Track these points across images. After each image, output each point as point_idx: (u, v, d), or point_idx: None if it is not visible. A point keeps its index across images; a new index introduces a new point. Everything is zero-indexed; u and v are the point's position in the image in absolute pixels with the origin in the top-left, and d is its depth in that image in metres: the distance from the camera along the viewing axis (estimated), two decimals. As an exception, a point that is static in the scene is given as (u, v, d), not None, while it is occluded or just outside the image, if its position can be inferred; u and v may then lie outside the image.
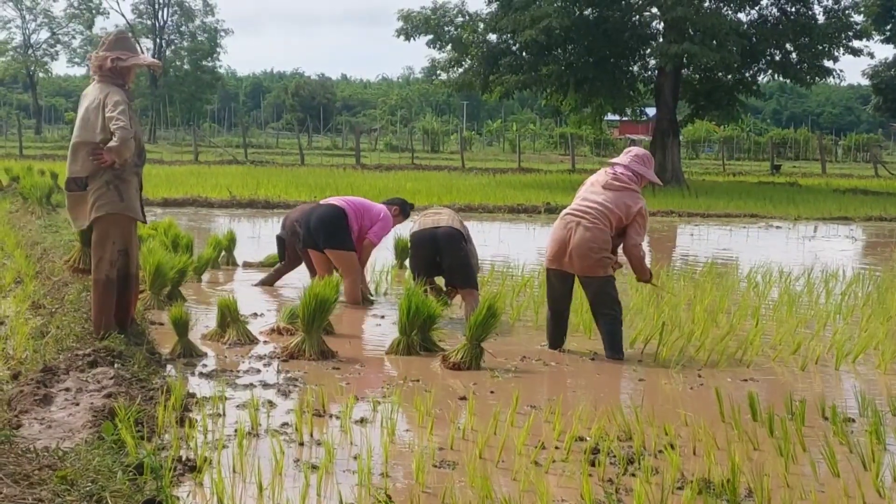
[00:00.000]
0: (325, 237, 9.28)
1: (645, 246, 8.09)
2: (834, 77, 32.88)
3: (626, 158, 7.85)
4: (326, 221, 9.30)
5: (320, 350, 7.19)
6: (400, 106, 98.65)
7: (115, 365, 6.22)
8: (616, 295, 7.64)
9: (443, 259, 8.90)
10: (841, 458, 5.10)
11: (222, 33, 77.02)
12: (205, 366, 6.90)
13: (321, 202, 9.76)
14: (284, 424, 5.51)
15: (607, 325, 7.57)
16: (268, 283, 10.57)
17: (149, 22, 75.32)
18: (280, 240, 10.52)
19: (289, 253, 10.39)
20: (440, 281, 9.39)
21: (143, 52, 7.72)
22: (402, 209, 10.08)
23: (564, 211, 7.82)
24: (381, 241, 9.63)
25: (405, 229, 14.94)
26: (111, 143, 6.87)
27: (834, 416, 5.81)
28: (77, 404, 5.39)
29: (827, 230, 20.14)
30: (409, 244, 9.10)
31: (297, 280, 10.23)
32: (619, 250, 7.76)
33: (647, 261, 8.15)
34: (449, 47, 32.51)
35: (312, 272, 9.64)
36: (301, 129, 67.10)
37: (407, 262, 11.70)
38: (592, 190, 7.72)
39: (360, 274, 9.59)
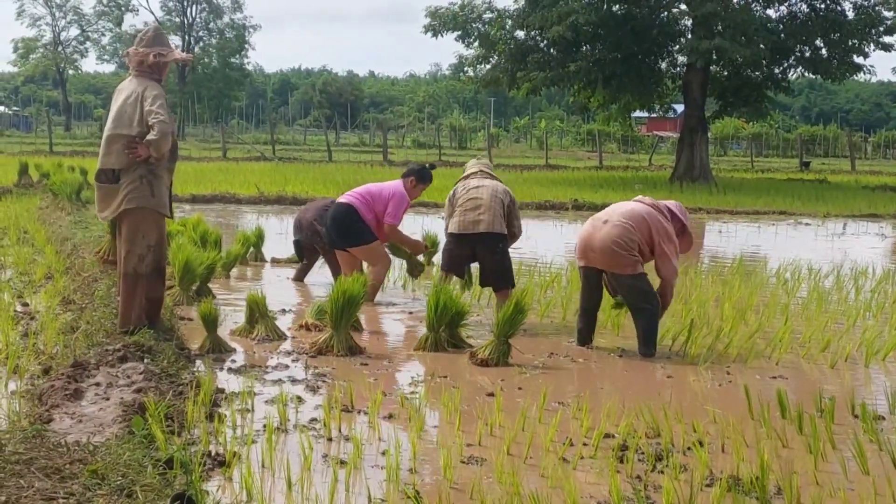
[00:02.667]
0: (344, 238, 9.32)
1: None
2: (864, 73, 32.71)
3: (672, 203, 7.88)
4: (340, 222, 9.31)
5: (348, 346, 7.20)
6: (427, 103, 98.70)
7: (145, 360, 6.26)
8: (650, 288, 7.57)
9: (479, 261, 8.90)
10: (871, 456, 5.07)
11: (250, 30, 77.64)
12: (233, 361, 6.93)
13: (335, 200, 9.76)
14: (313, 420, 5.53)
15: (643, 320, 7.53)
16: (298, 279, 10.71)
17: (177, 19, 75.89)
18: (297, 242, 10.57)
19: (307, 251, 10.54)
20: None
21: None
22: (420, 177, 9.57)
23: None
24: (399, 219, 9.36)
25: (432, 225, 15.02)
26: (150, 136, 6.91)
27: (864, 413, 5.76)
28: (107, 399, 5.42)
29: (856, 227, 19.99)
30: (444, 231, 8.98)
31: (325, 277, 10.27)
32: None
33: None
34: (476, 44, 32.48)
35: (335, 272, 9.68)
36: (328, 126, 67.23)
37: (434, 259, 11.71)
38: (624, 202, 7.78)
39: (388, 259, 9.55)
